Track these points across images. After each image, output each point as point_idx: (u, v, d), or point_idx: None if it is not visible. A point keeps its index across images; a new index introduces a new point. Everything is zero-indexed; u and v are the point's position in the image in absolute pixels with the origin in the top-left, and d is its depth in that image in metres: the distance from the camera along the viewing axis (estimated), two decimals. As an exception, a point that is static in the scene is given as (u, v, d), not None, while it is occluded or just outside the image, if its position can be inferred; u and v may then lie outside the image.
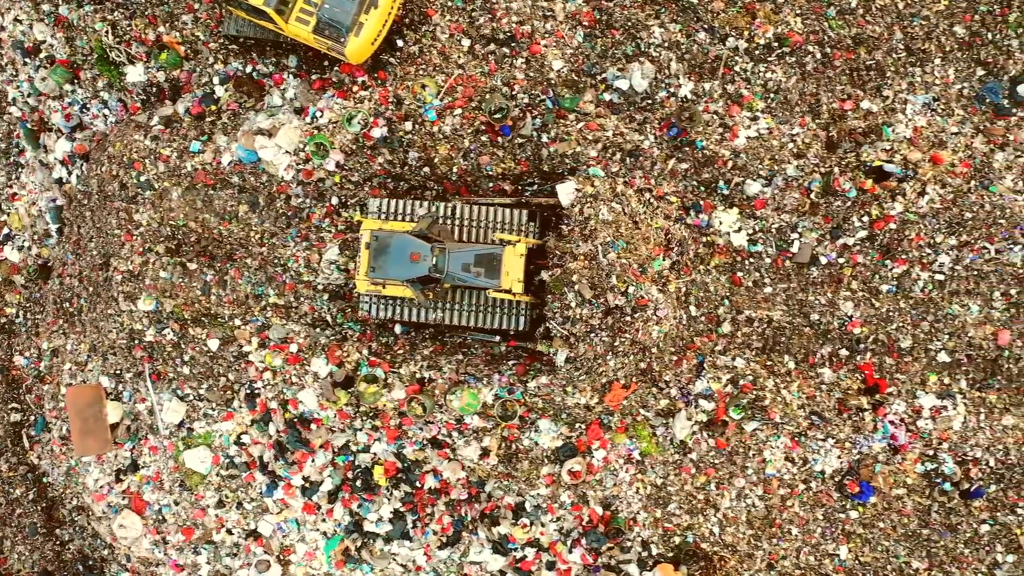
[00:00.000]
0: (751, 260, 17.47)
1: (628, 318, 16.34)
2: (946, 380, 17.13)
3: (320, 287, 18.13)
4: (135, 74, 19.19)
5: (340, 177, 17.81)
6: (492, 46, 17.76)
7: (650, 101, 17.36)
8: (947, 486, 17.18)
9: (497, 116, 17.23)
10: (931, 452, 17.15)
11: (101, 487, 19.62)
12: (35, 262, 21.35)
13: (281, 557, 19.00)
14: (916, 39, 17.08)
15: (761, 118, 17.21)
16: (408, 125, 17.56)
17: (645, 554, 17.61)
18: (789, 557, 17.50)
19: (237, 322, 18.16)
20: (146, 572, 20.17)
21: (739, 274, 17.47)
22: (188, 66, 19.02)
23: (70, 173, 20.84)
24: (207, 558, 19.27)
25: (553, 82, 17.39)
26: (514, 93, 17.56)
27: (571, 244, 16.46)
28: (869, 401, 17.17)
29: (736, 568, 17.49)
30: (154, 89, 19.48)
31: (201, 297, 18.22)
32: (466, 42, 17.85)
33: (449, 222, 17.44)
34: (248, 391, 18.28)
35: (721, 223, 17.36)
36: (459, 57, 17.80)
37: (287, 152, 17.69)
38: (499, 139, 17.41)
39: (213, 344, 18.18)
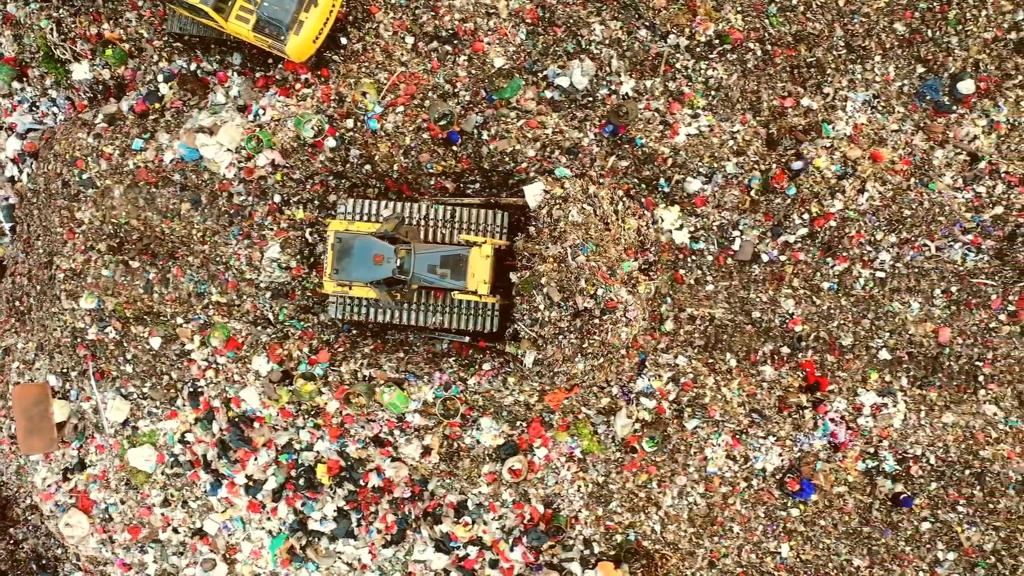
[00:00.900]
0: (693, 258, 17.45)
1: (597, 320, 16.27)
2: (887, 378, 17.14)
3: (263, 285, 18.08)
4: (80, 72, 19.13)
5: (282, 175, 17.76)
6: (435, 43, 17.72)
7: (591, 99, 17.33)
8: (889, 483, 17.18)
9: (442, 123, 17.16)
10: (872, 450, 17.14)
11: (49, 486, 19.56)
12: (-11, 261, 21.32)
13: (227, 556, 18.94)
14: (856, 36, 17.07)
15: (702, 115, 17.18)
16: (349, 123, 17.51)
17: (587, 552, 17.58)
18: (731, 555, 17.49)
19: (179, 320, 18.11)
20: (95, 571, 20.12)
21: (681, 272, 17.45)
22: (133, 64, 18.96)
23: (21, 172, 20.78)
24: (154, 557, 19.21)
25: (489, 75, 17.33)
26: (456, 91, 17.53)
27: (540, 246, 16.38)
28: (809, 399, 17.16)
29: (677, 566, 17.47)
30: (100, 87, 19.42)
31: (143, 295, 18.16)
32: (410, 39, 17.81)
33: (418, 223, 17.31)
34: (191, 389, 18.24)
35: (663, 220, 17.34)
36: (402, 55, 17.76)
37: (229, 150, 17.64)
38: (449, 145, 17.36)
39: (155, 342, 18.13)
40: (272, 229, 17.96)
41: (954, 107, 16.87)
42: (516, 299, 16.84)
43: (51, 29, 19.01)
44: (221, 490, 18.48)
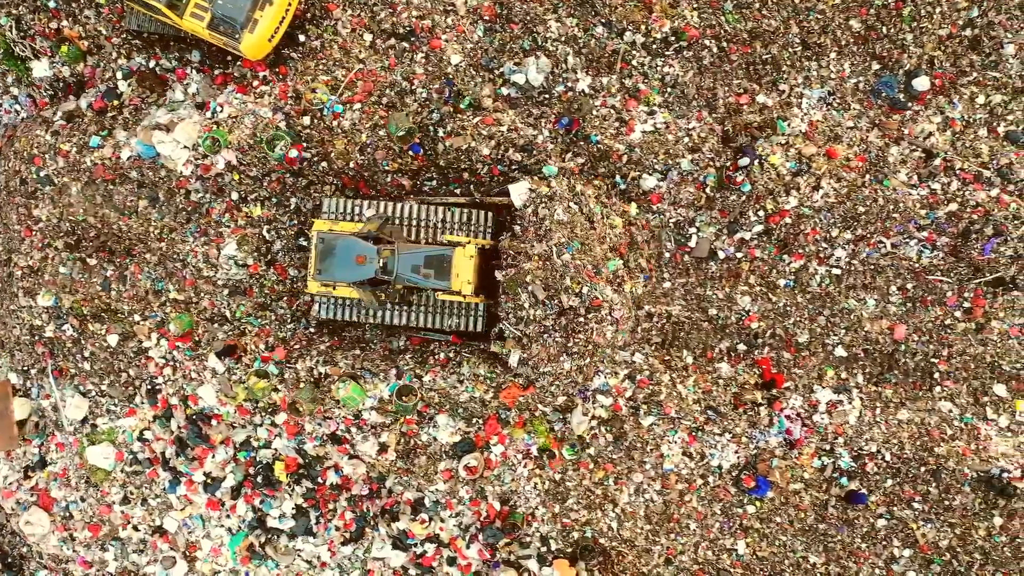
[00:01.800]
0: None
1: (582, 319, 16.25)
2: (843, 375, 17.14)
3: (220, 282, 18.06)
4: (40, 69, 19.10)
5: (239, 175, 17.74)
6: (392, 41, 17.70)
7: (547, 96, 17.32)
8: (844, 480, 17.19)
9: (403, 134, 17.12)
10: (827, 446, 17.15)
11: (10, 484, 19.54)
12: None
13: (187, 553, 18.94)
14: (812, 33, 17.06)
15: (658, 112, 17.17)
16: (307, 120, 17.49)
17: (544, 549, 17.57)
18: (687, 552, 17.49)
19: (136, 318, 18.09)
20: (59, 569, 20.11)
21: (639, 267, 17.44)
22: (92, 61, 18.93)
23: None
24: (115, 555, 19.20)
25: (451, 76, 17.32)
26: (413, 88, 17.51)
27: (525, 244, 16.33)
28: (764, 396, 17.16)
29: (634, 563, 17.47)
30: (61, 84, 19.40)
31: (101, 292, 18.15)
32: (368, 37, 17.79)
33: (403, 223, 17.23)
34: (149, 387, 18.23)
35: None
36: (360, 52, 17.74)
37: (185, 147, 17.62)
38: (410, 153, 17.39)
39: (112, 340, 18.11)
40: (229, 226, 17.94)
41: (909, 104, 16.87)
42: (501, 298, 16.74)
43: (10, 26, 18.98)
44: (180, 488, 18.47)
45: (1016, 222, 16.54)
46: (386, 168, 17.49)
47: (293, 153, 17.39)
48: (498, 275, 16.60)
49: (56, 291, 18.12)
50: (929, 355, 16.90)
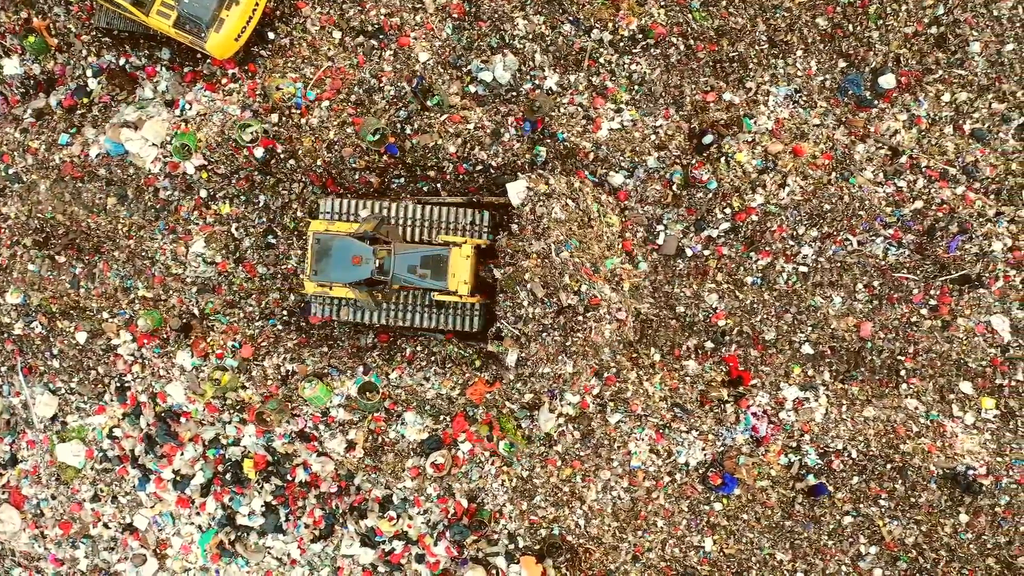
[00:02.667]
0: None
1: (580, 317, 16.19)
2: (810, 372, 17.16)
3: (189, 280, 18.07)
4: (11, 67, 19.09)
5: (207, 173, 17.74)
6: (361, 38, 17.71)
7: (515, 93, 17.33)
8: (811, 478, 17.21)
9: (376, 139, 17.10)
10: (794, 444, 17.17)
11: (-18, 481, 19.58)
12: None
13: (158, 551, 18.96)
14: (779, 31, 17.07)
15: (625, 110, 17.19)
16: (275, 117, 17.50)
17: (512, 547, 17.60)
18: (654, 549, 17.51)
19: (105, 315, 18.10)
20: (31, 567, 20.12)
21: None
22: (62, 59, 18.93)
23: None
24: (85, 552, 19.22)
25: (419, 73, 17.33)
26: (381, 85, 17.52)
27: (523, 243, 16.25)
28: (730, 393, 17.18)
29: (601, 560, 17.49)
30: (32, 82, 19.38)
31: (69, 290, 18.16)
32: (337, 34, 17.80)
33: (399, 223, 17.15)
34: (118, 384, 18.24)
35: (588, 216, 17.34)
36: (329, 49, 17.75)
37: (154, 145, 17.63)
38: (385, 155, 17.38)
39: (81, 337, 18.12)
40: (198, 224, 17.95)
41: (875, 102, 16.89)
42: (499, 296, 16.57)
43: (-20, 24, 18.99)
44: (149, 485, 18.49)
45: (981, 220, 16.58)
46: (353, 166, 17.49)
47: (259, 152, 17.36)
48: (496, 273, 16.49)
49: (25, 289, 18.13)
50: (895, 353, 16.93)
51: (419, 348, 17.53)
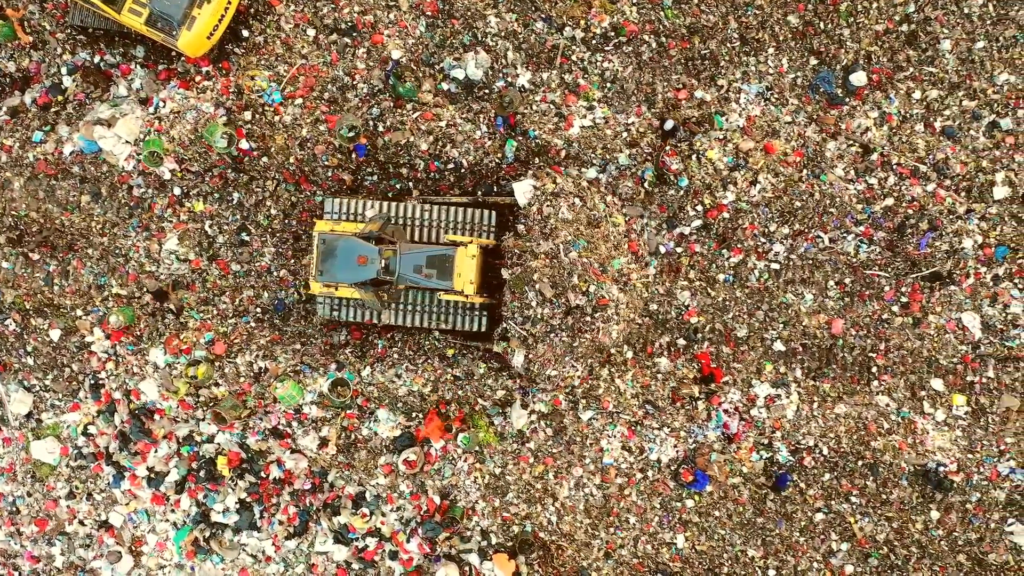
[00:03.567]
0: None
1: (588, 318, 16.18)
2: (781, 369, 17.19)
3: (163, 277, 18.09)
4: (-15, 65, 19.10)
5: (180, 173, 17.76)
6: (335, 36, 17.72)
7: (487, 91, 17.35)
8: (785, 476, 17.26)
9: (350, 136, 17.10)
10: (765, 441, 17.20)
11: (-42, 479, 19.59)
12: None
13: (133, 548, 18.98)
14: (750, 29, 17.09)
15: (597, 107, 17.21)
16: (248, 115, 17.52)
17: (485, 544, 17.63)
18: (626, 546, 17.54)
19: (79, 312, 18.12)
20: (7, 564, 20.14)
21: (578, 264, 17.46)
22: (37, 56, 18.93)
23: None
24: (61, 549, 19.24)
25: (390, 68, 17.35)
26: (355, 83, 17.54)
27: (531, 243, 16.22)
28: (702, 390, 17.21)
29: (573, 557, 17.53)
30: (7, 80, 19.38)
31: (43, 288, 18.18)
32: (311, 32, 17.82)
33: (405, 223, 17.12)
34: (92, 381, 18.27)
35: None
36: (303, 47, 17.76)
37: (127, 142, 17.64)
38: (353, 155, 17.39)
39: (55, 334, 18.14)
40: (171, 221, 17.97)
41: (847, 99, 16.92)
42: (507, 296, 16.49)
43: (-45, 22, 18.97)
44: (124, 482, 18.51)
45: (951, 217, 16.61)
46: (326, 163, 17.52)
47: (241, 146, 17.37)
48: (504, 273, 16.47)
49: (-2, 286, 18.16)
50: (867, 350, 16.96)
51: (395, 343, 17.53)
